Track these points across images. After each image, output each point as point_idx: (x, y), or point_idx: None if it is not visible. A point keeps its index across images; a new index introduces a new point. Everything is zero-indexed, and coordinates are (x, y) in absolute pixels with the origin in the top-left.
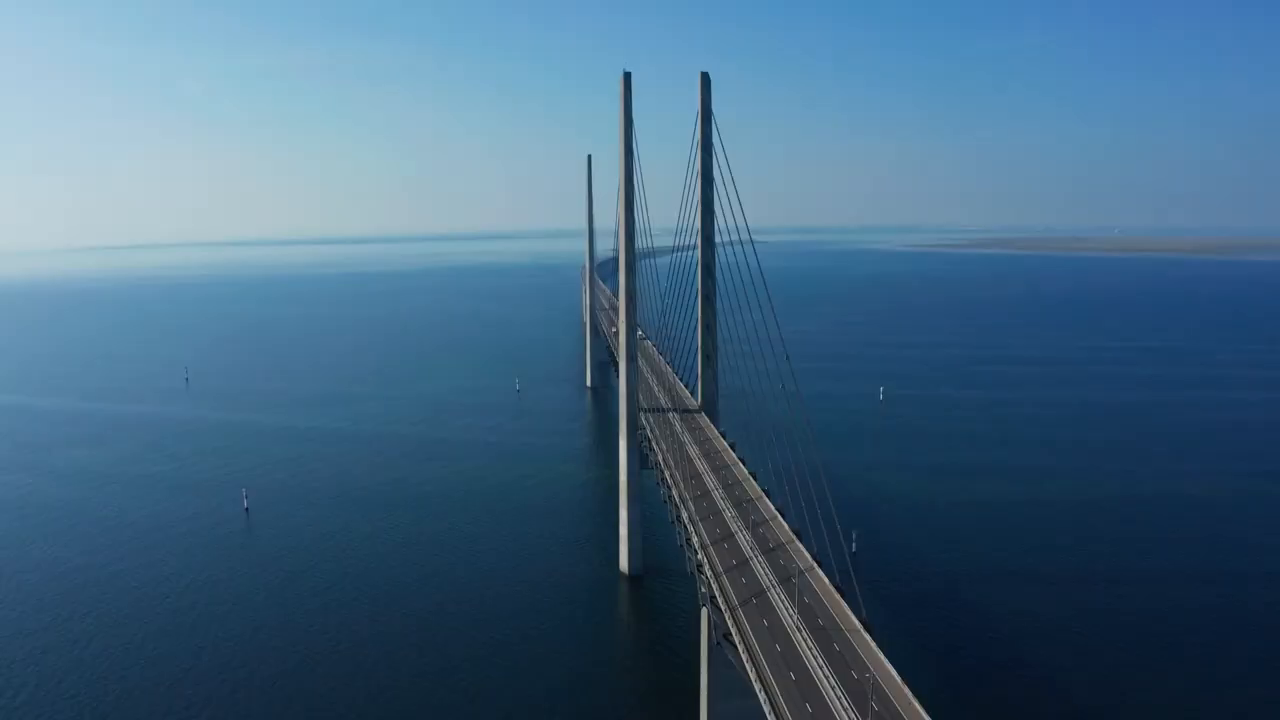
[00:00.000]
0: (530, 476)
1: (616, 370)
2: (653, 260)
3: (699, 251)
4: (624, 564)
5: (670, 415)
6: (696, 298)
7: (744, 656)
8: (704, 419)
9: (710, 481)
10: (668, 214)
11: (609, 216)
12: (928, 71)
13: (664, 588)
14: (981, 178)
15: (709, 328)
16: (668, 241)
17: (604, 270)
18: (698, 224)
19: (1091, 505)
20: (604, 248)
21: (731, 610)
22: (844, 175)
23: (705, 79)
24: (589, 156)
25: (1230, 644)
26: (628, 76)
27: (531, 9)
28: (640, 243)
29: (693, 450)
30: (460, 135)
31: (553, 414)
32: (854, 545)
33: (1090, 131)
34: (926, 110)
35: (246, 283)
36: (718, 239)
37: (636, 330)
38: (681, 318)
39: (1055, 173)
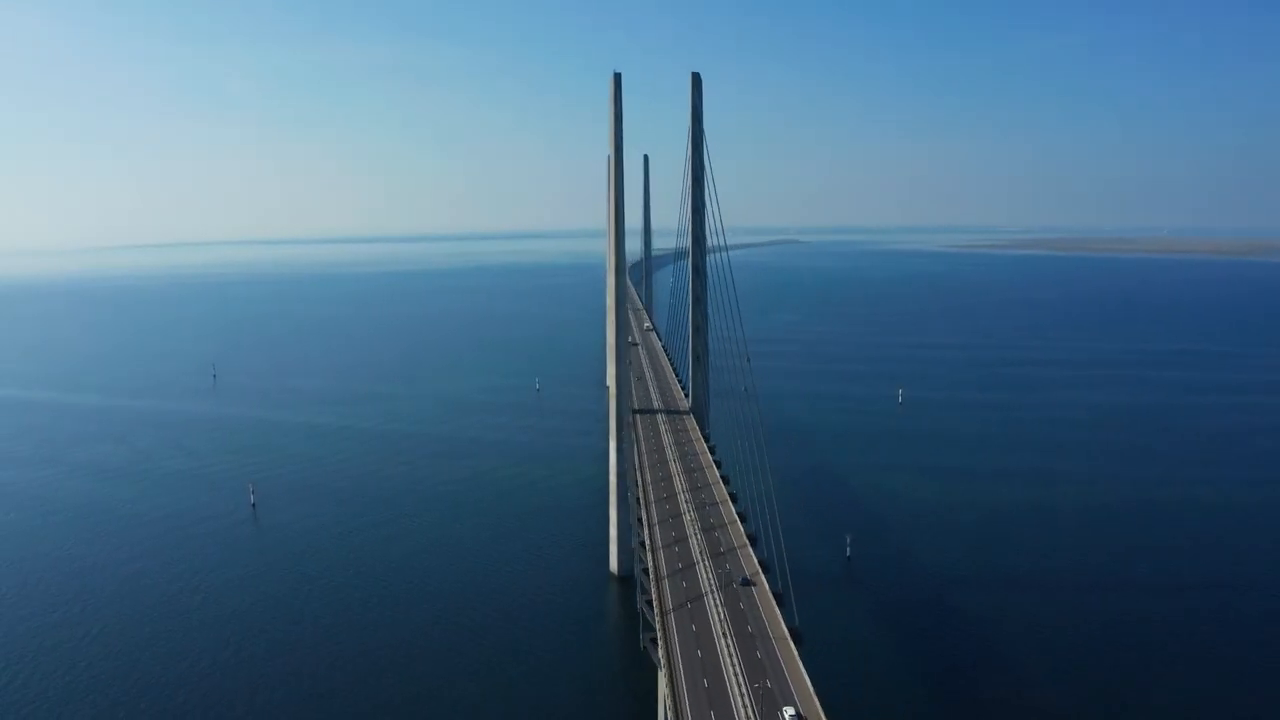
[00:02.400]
0: (539, 476)
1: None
2: (676, 262)
3: (690, 255)
4: (613, 564)
5: (659, 416)
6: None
7: (662, 661)
8: (691, 421)
9: (680, 484)
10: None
11: (655, 216)
12: (972, 72)
13: None
14: (1027, 178)
15: (699, 329)
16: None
17: (636, 274)
18: (700, 225)
19: (1102, 511)
20: (638, 248)
21: (664, 615)
22: (888, 176)
23: (696, 80)
24: (608, 157)
25: (1231, 654)
26: (618, 78)
27: (590, 11)
28: (677, 243)
29: (672, 453)
30: (509, 134)
31: (571, 414)
32: (849, 549)
33: (1140, 132)
34: (971, 111)
35: (288, 281)
36: (753, 239)
37: (626, 333)
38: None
39: (1103, 173)
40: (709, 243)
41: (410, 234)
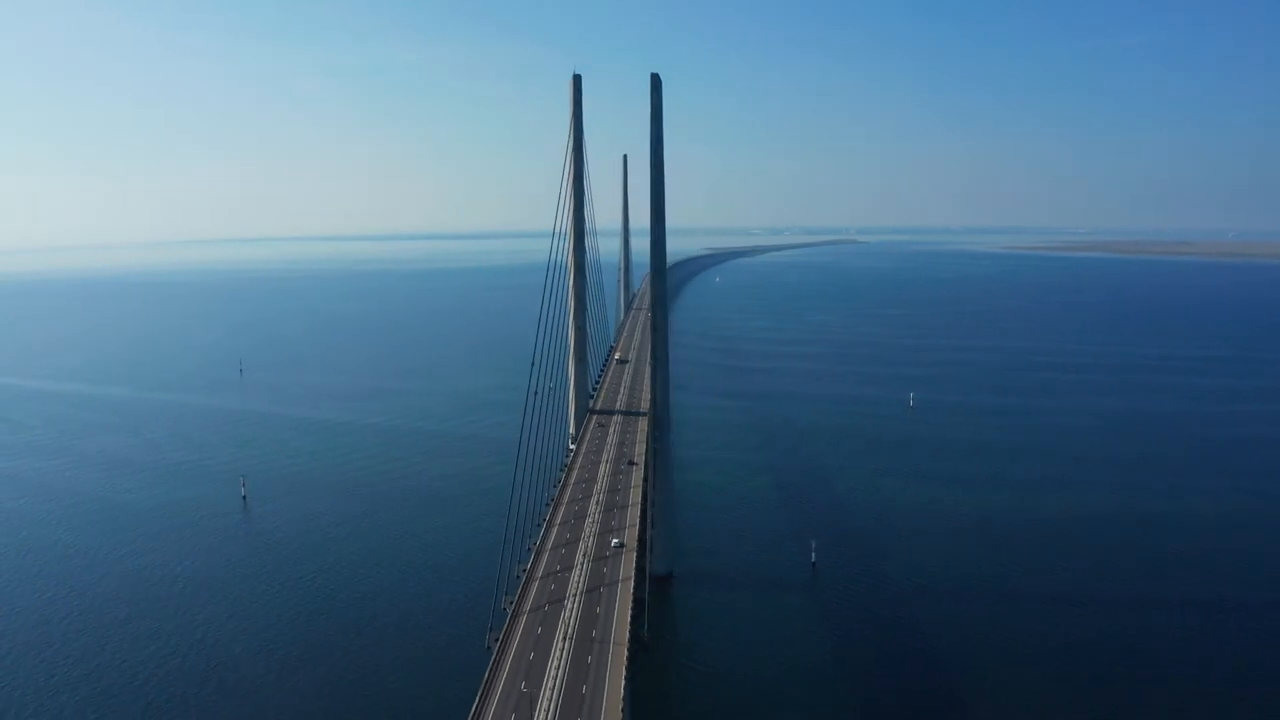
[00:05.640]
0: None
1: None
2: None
3: (650, 255)
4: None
5: (616, 417)
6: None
7: (491, 662)
8: (643, 423)
9: (599, 486)
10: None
11: (687, 216)
12: (1035, 72)
13: None
14: (1092, 179)
15: (658, 329)
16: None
17: (683, 271)
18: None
19: (1102, 522)
20: (689, 246)
21: (515, 617)
22: (950, 176)
23: (655, 80)
24: (624, 156)
25: (1221, 679)
26: (577, 79)
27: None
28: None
29: (609, 454)
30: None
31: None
32: (814, 555)
33: (1207, 133)
34: (1034, 111)
35: (345, 278)
36: (810, 239)
37: (586, 333)
38: (731, 317)
39: (1169, 175)
40: (754, 243)
41: (481, 230)
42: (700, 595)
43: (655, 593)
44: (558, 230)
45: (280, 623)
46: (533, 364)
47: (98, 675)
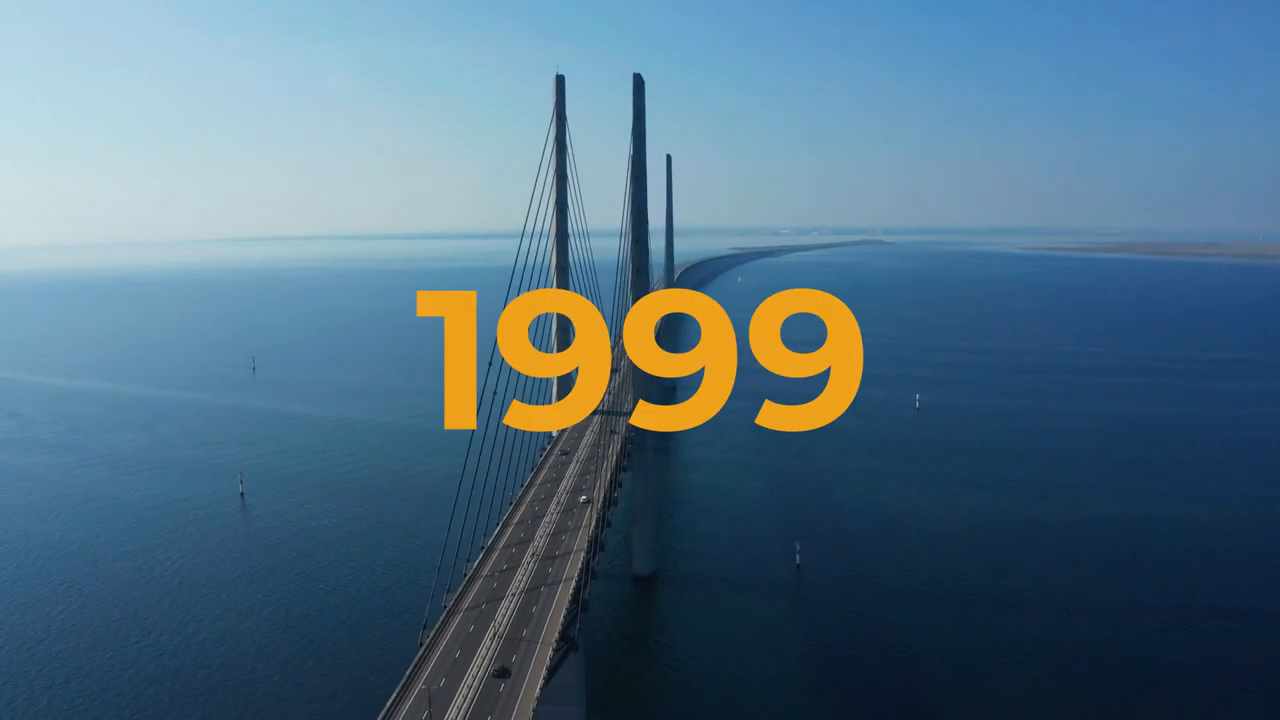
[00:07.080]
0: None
1: None
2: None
3: (631, 253)
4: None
5: (598, 416)
6: None
7: (417, 659)
8: (623, 422)
9: (566, 485)
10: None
11: (716, 216)
12: (1057, 74)
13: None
14: (1118, 180)
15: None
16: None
17: (705, 270)
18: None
19: (1104, 525)
20: (715, 246)
21: (450, 615)
22: (976, 176)
23: (638, 81)
24: (629, 157)
25: (1224, 685)
26: (560, 79)
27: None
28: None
29: (582, 454)
30: (608, 127)
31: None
32: (799, 558)
33: (1236, 133)
34: (1060, 112)
35: (371, 276)
36: (837, 239)
37: (570, 332)
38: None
39: (1198, 175)
40: (781, 243)
41: (509, 230)
42: (683, 596)
43: (639, 593)
44: (543, 230)
45: (272, 622)
46: (490, 363)
47: (89, 670)
